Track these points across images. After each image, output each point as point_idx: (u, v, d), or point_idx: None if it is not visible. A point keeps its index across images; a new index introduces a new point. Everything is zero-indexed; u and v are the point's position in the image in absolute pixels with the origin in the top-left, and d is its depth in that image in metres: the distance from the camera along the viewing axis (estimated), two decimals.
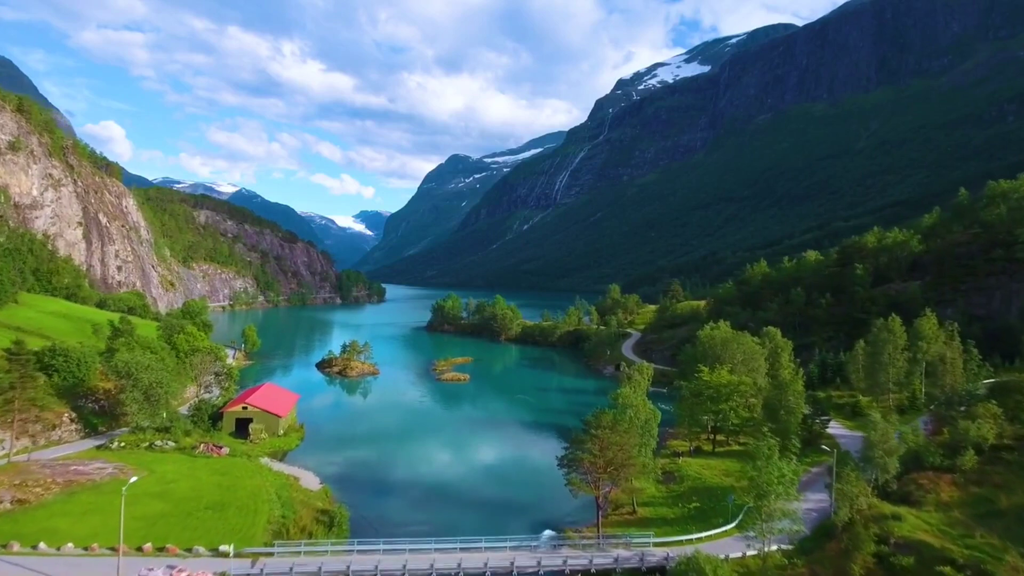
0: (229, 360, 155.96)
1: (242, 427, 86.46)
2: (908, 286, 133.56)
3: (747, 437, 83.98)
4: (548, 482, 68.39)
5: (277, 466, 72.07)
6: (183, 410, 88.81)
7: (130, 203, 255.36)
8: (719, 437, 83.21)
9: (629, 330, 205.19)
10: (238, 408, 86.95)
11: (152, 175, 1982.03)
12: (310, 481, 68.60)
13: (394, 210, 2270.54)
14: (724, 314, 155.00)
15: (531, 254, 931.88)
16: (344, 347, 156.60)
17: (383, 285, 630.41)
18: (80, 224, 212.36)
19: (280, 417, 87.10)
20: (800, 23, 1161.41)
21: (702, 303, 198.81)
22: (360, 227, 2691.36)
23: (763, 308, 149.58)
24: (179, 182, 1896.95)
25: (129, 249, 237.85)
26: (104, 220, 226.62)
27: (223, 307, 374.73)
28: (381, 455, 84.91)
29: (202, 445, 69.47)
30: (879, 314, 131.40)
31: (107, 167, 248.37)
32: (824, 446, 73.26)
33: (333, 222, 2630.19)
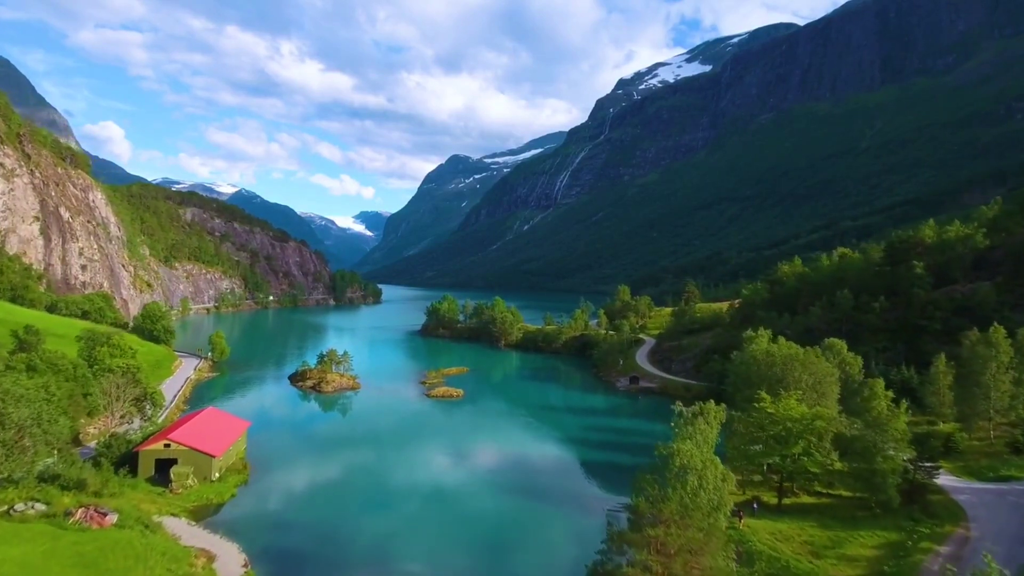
0: (189, 373, 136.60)
1: (166, 470, 66.86)
2: (977, 287, 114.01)
3: (822, 485, 64.37)
4: (561, 560, 48.98)
5: (190, 535, 52.34)
6: (87, 450, 69.17)
7: (98, 197, 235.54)
8: (784, 483, 63.40)
9: (642, 336, 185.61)
10: (158, 446, 67.19)
11: (152, 175, 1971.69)
12: (230, 561, 48.90)
13: (394, 211, 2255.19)
14: (756, 320, 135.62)
15: (531, 254, 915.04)
16: (321, 357, 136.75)
17: (381, 286, 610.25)
18: (37, 219, 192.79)
19: (214, 457, 67.35)
20: (800, 22, 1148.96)
21: (724, 305, 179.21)
22: (360, 228, 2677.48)
23: (801, 313, 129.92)
24: (179, 182, 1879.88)
25: (95, 247, 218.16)
26: (66, 215, 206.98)
27: (208, 309, 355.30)
28: (343, 509, 65.21)
29: (79, 510, 49.78)
30: (943, 320, 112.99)
31: (72, 157, 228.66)
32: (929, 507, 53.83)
33: (333, 223, 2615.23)
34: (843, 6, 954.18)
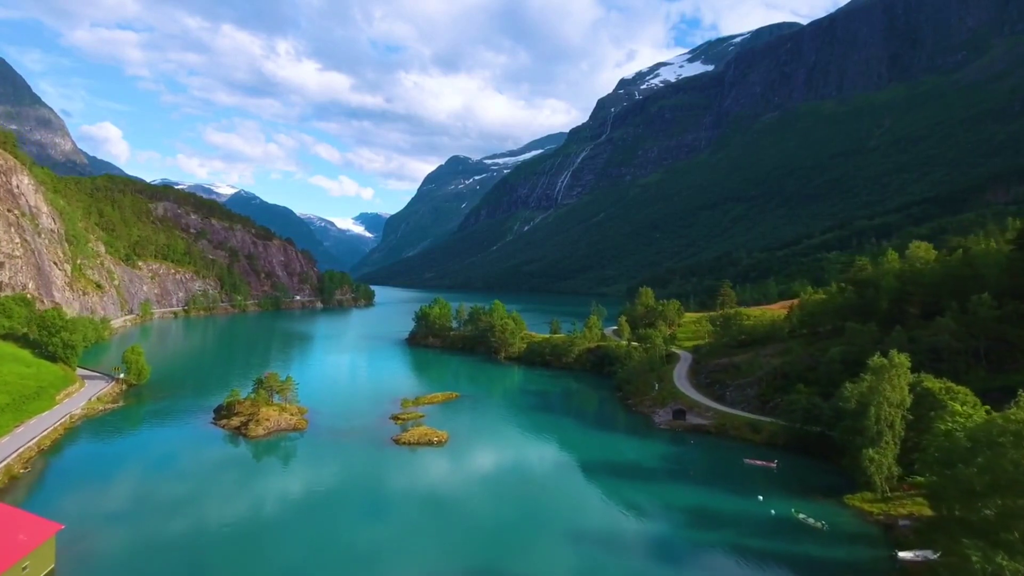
0: (75, 407, 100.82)
1: None
2: None
3: None
4: None
5: None
6: None
7: (24, 182, 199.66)
8: None
9: (674, 348, 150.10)
10: None
11: (150, 176, 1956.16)
12: None
13: (394, 212, 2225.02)
14: (845, 333, 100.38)
15: (532, 255, 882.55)
16: (258, 382, 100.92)
17: (380, 287, 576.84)
18: None
19: None
20: (802, 21, 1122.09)
21: (778, 311, 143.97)
22: (359, 229, 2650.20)
23: (913, 325, 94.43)
24: (178, 183, 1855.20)
25: (17, 241, 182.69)
26: None
27: (175, 313, 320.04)
28: None
29: None
30: None
31: None
32: None
33: (332, 224, 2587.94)
34: (849, 3, 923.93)
